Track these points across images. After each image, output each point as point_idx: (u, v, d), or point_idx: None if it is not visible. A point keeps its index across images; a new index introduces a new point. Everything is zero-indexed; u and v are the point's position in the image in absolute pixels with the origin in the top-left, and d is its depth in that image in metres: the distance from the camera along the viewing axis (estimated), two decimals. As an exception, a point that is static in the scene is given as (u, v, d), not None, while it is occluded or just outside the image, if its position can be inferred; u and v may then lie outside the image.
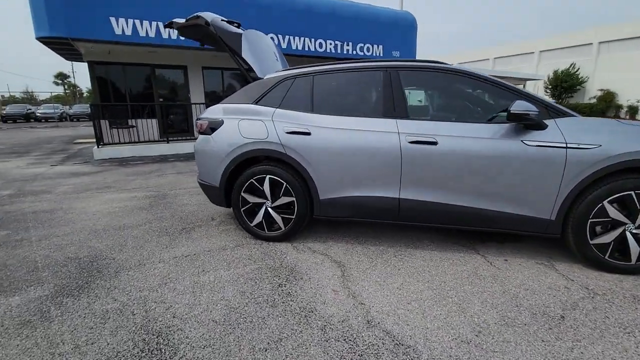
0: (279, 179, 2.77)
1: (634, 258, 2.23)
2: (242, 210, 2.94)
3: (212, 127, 2.93)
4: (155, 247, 2.87)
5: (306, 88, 2.80)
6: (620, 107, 22.93)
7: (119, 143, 8.43)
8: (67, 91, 64.60)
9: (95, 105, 8.38)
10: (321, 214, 2.80)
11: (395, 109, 2.57)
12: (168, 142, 8.66)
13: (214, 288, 2.21)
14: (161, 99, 10.15)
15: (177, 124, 10.53)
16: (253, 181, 2.84)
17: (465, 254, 2.69)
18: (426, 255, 2.68)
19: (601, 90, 23.63)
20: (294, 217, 2.83)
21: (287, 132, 2.70)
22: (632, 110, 21.94)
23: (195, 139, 3.62)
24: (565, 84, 24.12)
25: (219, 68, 10.86)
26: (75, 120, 31.48)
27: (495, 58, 31.08)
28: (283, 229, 2.89)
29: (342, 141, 2.59)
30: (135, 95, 9.91)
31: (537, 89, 24.78)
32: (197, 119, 3.12)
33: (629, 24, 22.96)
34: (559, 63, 25.68)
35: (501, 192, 2.38)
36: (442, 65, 2.60)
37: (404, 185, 2.54)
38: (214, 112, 3.01)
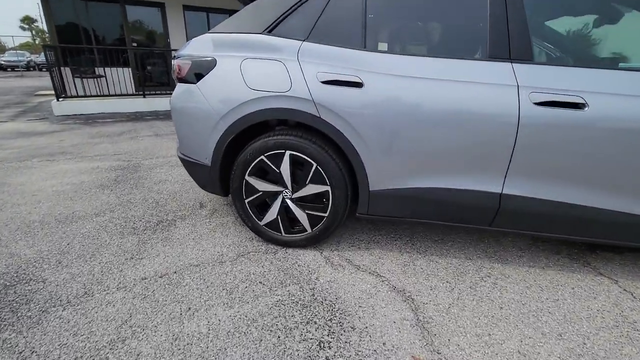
0: (306, 158, 1.76)
1: None
2: (246, 201, 1.95)
3: (198, 71, 1.83)
4: (115, 256, 1.89)
5: (355, 8, 1.70)
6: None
7: (85, 96, 7.05)
8: (34, 38, 58.91)
9: (52, 48, 6.85)
10: (369, 212, 1.84)
11: (512, 45, 1.53)
12: (144, 97, 7.32)
13: (208, 353, 1.29)
14: (134, 44, 8.57)
15: (156, 75, 9.04)
16: (264, 159, 1.82)
17: (582, 274, 1.82)
18: (527, 276, 1.79)
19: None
20: (326, 214, 1.86)
21: (324, 82, 1.64)
22: None
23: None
24: None
25: (203, 9, 9.19)
26: (44, 69, 28.56)
27: None
28: (309, 231, 1.94)
29: (416, 99, 1.57)
30: (103, 40, 8.31)
31: None
32: (174, 58, 2.00)
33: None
34: None
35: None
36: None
37: (512, 174, 1.58)
38: (201, 45, 1.89)
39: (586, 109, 1.43)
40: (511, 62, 1.52)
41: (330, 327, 1.42)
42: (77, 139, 4.63)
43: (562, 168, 1.52)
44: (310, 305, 1.54)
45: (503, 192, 1.61)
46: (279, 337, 1.36)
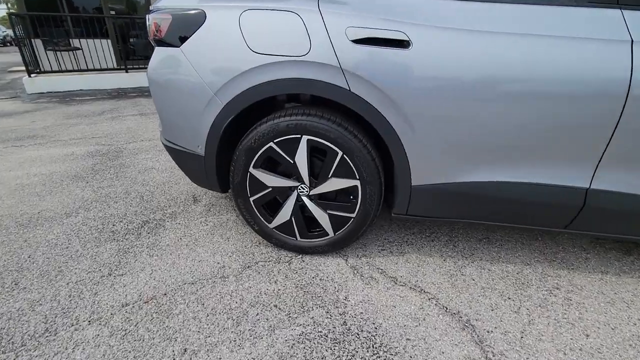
0: (328, 144, 1.35)
1: None
2: (251, 200, 1.55)
3: (181, 29, 1.36)
4: (89, 272, 1.50)
5: None
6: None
7: (60, 72, 6.39)
8: (10, 10, 55.48)
9: (19, 17, 6.11)
10: (409, 212, 1.46)
11: (622, -17, 1.10)
12: (127, 72, 6.67)
13: (214, 421, 0.93)
14: (113, 12, 7.78)
15: (139, 47, 8.29)
16: (274, 146, 1.40)
17: (669, 283, 1.48)
18: (603, 287, 1.45)
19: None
20: (354, 215, 1.48)
21: (355, 41, 1.20)
22: None
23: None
24: None
25: (187, -28, 8.31)
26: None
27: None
28: (332, 235, 1.55)
29: (486, 64, 1.14)
30: (79, 9, 7.50)
31: None
32: (147, 12, 1.52)
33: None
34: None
35: None
36: None
37: (607, 164, 1.19)
38: None
39: None
40: (620, 9, 1.09)
41: (374, 374, 1.07)
42: (51, 120, 4.11)
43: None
44: (344, 340, 1.18)
45: (591, 186, 1.23)
46: (308, 394, 1.01)
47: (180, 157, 1.60)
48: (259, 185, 1.51)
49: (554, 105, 1.13)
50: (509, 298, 1.38)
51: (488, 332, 1.22)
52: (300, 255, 1.63)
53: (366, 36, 1.18)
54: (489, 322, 1.26)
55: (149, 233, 1.79)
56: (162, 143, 1.67)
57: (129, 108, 4.80)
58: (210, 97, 1.37)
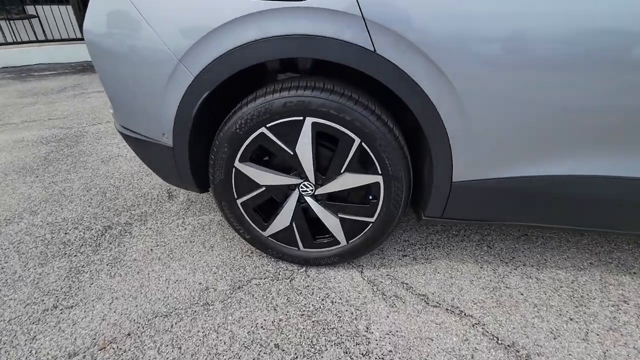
0: (342, 129, 0.99)
1: None
2: (239, 202, 1.19)
3: None
4: (27, 305, 1.14)
5: None
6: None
7: (14, 43, 5.64)
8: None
9: (-41, -21, 5.27)
10: (447, 214, 1.12)
11: None
12: (93, 42, 5.96)
13: None
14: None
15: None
16: (267, 133, 1.03)
17: None
18: (678, 299, 1.18)
19: None
20: (373, 219, 1.14)
21: (386, -24, 0.81)
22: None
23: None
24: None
25: None
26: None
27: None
28: (344, 243, 1.22)
29: (580, 12, 0.77)
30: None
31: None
32: None
33: None
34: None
35: None
36: None
37: None
38: None
39: None
40: None
41: None
42: (1, 100, 3.55)
43: None
44: (373, 397, 0.88)
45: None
46: None
47: (142, 148, 1.21)
48: (248, 183, 1.14)
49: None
50: (571, 319, 1.10)
51: (558, 373, 0.94)
52: (304, 268, 1.30)
53: (402, -33, 0.80)
54: (554, 356, 0.98)
55: (110, 244, 1.42)
56: (117, 130, 1.26)
57: (95, 84, 4.23)
58: (174, 65, 0.97)
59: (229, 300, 1.15)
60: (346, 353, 0.98)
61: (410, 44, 0.83)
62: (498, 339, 1.03)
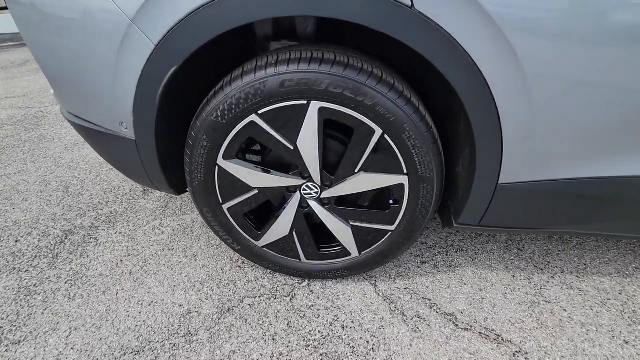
0: (359, 116, 0.74)
1: None
2: (225, 207, 0.95)
3: None
4: (-40, 340, 0.91)
5: None
6: None
7: (-30, 9, 5.05)
8: None
9: None
10: (485, 221, 0.90)
11: None
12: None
13: None
14: None
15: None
16: (258, 122, 0.78)
17: None
18: None
19: None
20: (394, 227, 0.92)
21: None
22: None
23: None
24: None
25: None
26: None
27: None
28: (356, 255, 1.01)
29: None
30: None
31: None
32: None
33: None
34: None
35: None
36: None
37: None
38: None
39: None
40: None
41: None
42: (-48, 75, 3.13)
43: None
44: None
45: None
46: None
47: (97, 141, 0.95)
48: (236, 185, 0.90)
49: None
50: (626, 342, 0.93)
51: (623, 418, 0.77)
52: (306, 282, 1.09)
53: None
54: (616, 395, 0.81)
55: (71, 254, 1.18)
56: (65, 118, 0.98)
57: None
58: (125, 28, 0.69)
59: (216, 327, 0.94)
60: (365, 400, 0.79)
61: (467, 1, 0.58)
62: (547, 373, 0.85)
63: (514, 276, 1.12)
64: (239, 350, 0.89)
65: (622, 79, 0.62)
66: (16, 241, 1.23)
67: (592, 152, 0.72)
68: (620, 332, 0.95)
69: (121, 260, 1.15)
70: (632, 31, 0.58)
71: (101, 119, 0.87)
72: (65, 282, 1.07)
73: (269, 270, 1.12)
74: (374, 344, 0.91)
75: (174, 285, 1.06)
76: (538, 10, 0.58)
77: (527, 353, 0.89)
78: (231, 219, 0.97)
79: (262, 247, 1.03)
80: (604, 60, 0.61)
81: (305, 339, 0.92)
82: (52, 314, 0.98)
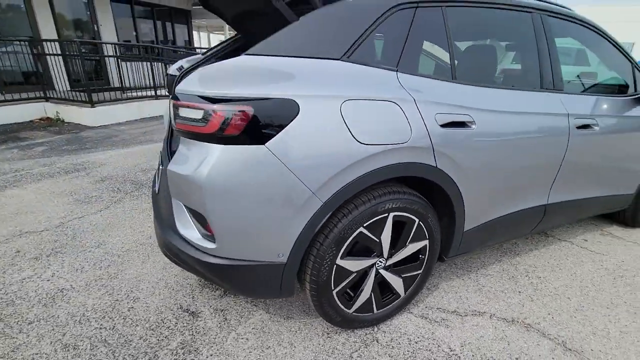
0: (410, 216, 1.43)
1: None
2: (334, 292, 1.40)
3: (268, 123, 1.09)
4: None
5: (439, 29, 1.44)
6: None
7: None
8: None
9: None
10: (459, 252, 1.72)
11: (554, 77, 1.74)
12: None
13: None
14: None
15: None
16: (364, 231, 1.35)
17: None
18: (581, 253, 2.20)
19: None
20: (421, 270, 1.61)
21: (443, 125, 1.35)
22: None
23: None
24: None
25: None
26: None
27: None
28: (403, 294, 1.62)
29: (512, 133, 1.55)
30: None
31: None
32: (173, 98, 1.09)
33: None
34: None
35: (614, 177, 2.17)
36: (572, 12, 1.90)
37: (555, 187, 1.86)
38: (249, 78, 1.12)
39: (598, 128, 1.85)
40: (558, 93, 1.75)
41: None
42: None
43: (579, 174, 1.94)
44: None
45: (548, 201, 1.89)
46: None
47: (243, 273, 1.25)
48: (344, 274, 1.39)
49: (542, 153, 1.68)
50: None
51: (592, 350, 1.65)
52: (376, 328, 1.60)
53: (450, 120, 1.36)
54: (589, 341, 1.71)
55: (187, 389, 1.26)
56: (210, 264, 1.22)
57: (33, 161, 2.73)
58: (307, 196, 1.17)
59: (353, 379, 1.33)
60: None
61: (451, 160, 1.40)
62: (565, 345, 1.68)
63: (516, 285, 1.97)
64: (377, 383, 1.32)
65: (506, 165, 1.57)
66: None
67: (499, 202, 1.66)
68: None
69: (237, 374, 1.34)
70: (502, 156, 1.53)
71: (260, 255, 1.21)
72: (210, 411, 1.19)
73: (350, 330, 1.57)
74: (436, 343, 1.52)
75: (298, 369, 1.36)
76: (470, 159, 1.46)
77: (558, 335, 1.71)
78: (337, 299, 1.42)
79: (352, 312, 1.50)
80: (496, 159, 1.54)
81: (409, 357, 1.44)
82: None
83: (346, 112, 1.18)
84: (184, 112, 1.12)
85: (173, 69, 1.98)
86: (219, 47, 1.95)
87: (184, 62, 2.01)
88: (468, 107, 1.42)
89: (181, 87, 1.17)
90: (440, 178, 1.41)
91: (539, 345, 1.53)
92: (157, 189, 1.61)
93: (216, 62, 1.23)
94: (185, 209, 1.25)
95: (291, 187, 1.14)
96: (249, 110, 1.07)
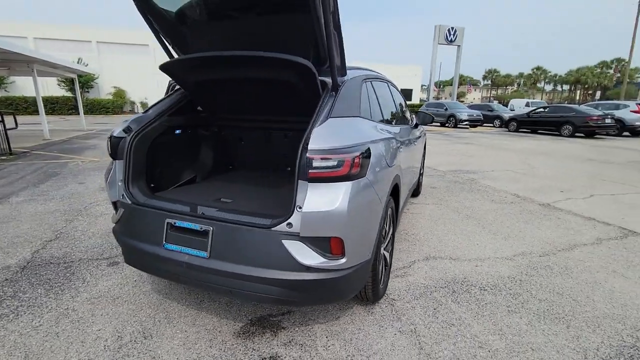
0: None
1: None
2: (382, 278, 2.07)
3: (365, 163, 1.65)
4: None
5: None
6: (133, 103, 26.84)
7: None
8: None
9: None
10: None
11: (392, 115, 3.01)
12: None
13: None
14: None
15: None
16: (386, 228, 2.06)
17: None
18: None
19: (114, 87, 26.02)
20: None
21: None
22: (144, 106, 26.37)
23: None
24: (81, 79, 23.73)
25: None
26: None
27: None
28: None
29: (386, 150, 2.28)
30: None
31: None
32: (319, 150, 1.49)
33: (123, 32, 26.44)
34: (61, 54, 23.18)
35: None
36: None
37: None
38: (353, 134, 1.73)
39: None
40: (398, 124, 3.03)
41: None
42: None
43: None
44: None
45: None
46: None
47: (357, 273, 1.66)
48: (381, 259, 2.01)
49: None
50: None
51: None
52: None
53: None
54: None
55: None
56: (336, 279, 1.54)
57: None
58: (380, 206, 1.77)
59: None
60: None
61: None
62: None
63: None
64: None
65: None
66: None
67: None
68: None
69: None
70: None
71: (361, 257, 1.66)
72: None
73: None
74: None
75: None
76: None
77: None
78: (383, 281, 1.99)
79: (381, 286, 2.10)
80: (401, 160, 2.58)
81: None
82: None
83: (381, 149, 1.85)
84: (318, 163, 1.41)
85: (118, 131, 1.90)
86: (161, 106, 2.18)
87: (132, 124, 1.94)
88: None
89: (313, 147, 1.48)
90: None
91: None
92: (207, 254, 1.61)
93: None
94: (304, 244, 1.47)
95: (374, 202, 1.70)
96: (360, 154, 1.54)
